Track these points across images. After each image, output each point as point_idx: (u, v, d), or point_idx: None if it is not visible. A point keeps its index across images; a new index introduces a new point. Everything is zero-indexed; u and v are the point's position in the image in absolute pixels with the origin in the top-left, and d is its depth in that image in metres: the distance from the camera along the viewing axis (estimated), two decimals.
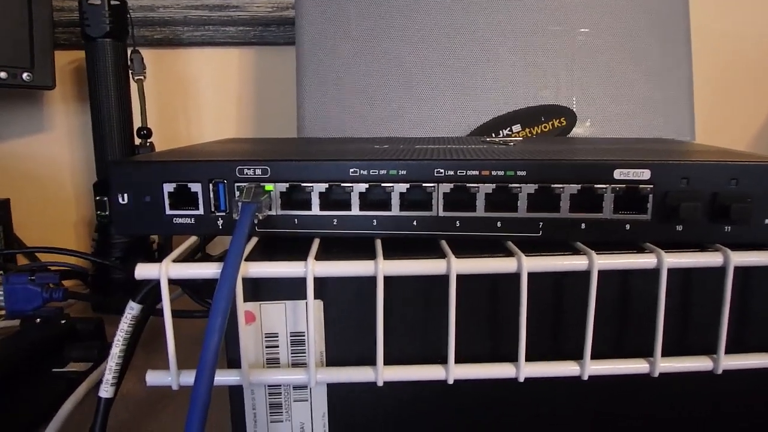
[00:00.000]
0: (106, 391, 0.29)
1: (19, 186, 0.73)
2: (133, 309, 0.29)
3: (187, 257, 0.31)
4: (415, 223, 0.28)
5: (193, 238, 0.31)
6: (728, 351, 0.27)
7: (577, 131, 0.54)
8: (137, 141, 0.64)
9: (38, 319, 0.47)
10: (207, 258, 0.34)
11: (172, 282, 0.26)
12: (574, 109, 0.54)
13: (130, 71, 0.63)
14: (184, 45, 0.73)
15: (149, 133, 0.64)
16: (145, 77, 0.64)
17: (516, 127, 0.53)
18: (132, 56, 0.63)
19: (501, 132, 0.53)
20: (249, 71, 0.75)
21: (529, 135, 0.53)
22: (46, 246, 0.63)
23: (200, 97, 0.75)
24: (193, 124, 0.76)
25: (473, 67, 0.55)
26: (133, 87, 0.63)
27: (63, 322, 0.47)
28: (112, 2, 0.59)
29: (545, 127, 0.53)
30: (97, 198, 0.63)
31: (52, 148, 0.74)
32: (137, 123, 0.64)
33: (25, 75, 0.60)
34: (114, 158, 0.61)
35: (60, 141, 0.74)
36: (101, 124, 0.61)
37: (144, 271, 0.26)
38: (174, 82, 0.74)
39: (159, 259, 0.26)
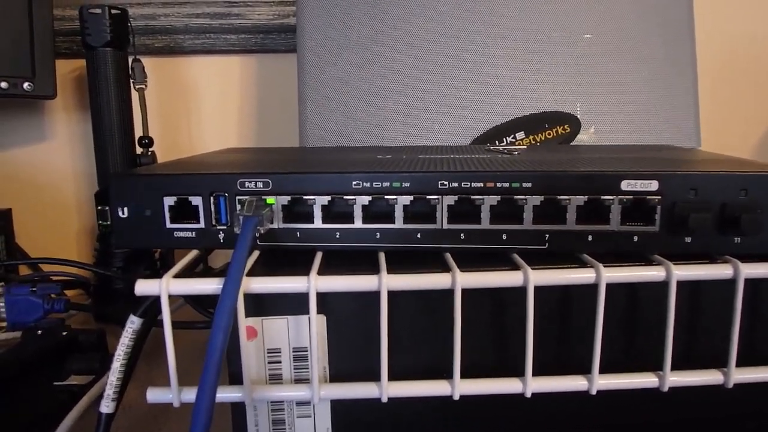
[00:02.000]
0: (107, 407, 0.29)
1: (21, 195, 0.73)
2: (133, 323, 0.29)
3: (189, 270, 0.30)
4: (419, 235, 0.28)
5: (194, 252, 0.30)
6: (738, 363, 0.27)
7: (582, 138, 0.54)
8: (139, 150, 0.64)
9: (39, 331, 0.46)
10: (208, 271, 0.34)
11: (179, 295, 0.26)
12: (578, 116, 0.54)
13: (131, 80, 0.62)
14: (185, 53, 0.72)
15: (150, 142, 0.64)
16: (146, 86, 0.63)
17: (519, 135, 0.53)
18: (133, 65, 0.62)
19: (504, 139, 0.53)
20: (250, 79, 0.74)
21: (533, 142, 0.53)
22: (48, 257, 0.63)
23: (202, 106, 0.75)
24: (195, 132, 0.75)
25: (476, 74, 0.55)
26: (135, 96, 0.63)
27: (64, 333, 0.46)
28: (113, 11, 0.59)
29: (549, 134, 0.52)
30: (99, 207, 0.62)
31: (53, 158, 0.73)
32: (139, 132, 0.64)
33: (26, 84, 0.60)
34: (115, 168, 0.61)
35: (61, 150, 0.73)
36: (102, 133, 0.61)
37: (144, 287, 0.25)
38: (175, 90, 0.74)
39: (161, 270, 0.26)
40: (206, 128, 0.75)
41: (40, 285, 0.50)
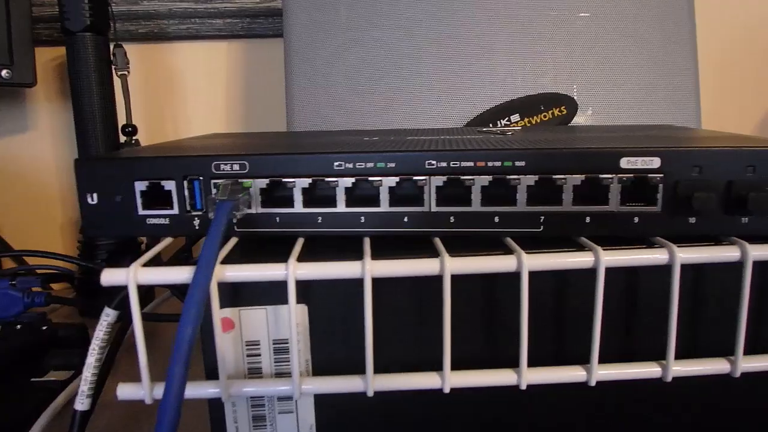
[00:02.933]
0: (81, 404, 0.27)
1: (4, 187, 0.71)
2: (108, 315, 0.27)
3: (172, 260, 0.29)
4: (405, 219, 0.26)
5: (168, 239, 0.29)
6: (746, 351, 0.25)
7: (579, 120, 0.52)
8: (122, 138, 0.62)
9: (19, 326, 0.45)
10: (186, 261, 0.32)
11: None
12: (575, 97, 0.52)
13: (113, 66, 0.60)
14: (169, 39, 0.70)
15: (134, 130, 0.62)
16: (128, 72, 0.61)
17: (514, 117, 0.51)
18: (114, 50, 0.60)
19: (498, 122, 0.51)
20: (238, 65, 0.72)
21: (528, 125, 0.51)
22: (30, 249, 0.61)
23: (188, 93, 0.73)
24: (181, 120, 0.73)
25: (468, 55, 0.53)
26: (118, 83, 0.61)
27: (44, 328, 0.45)
28: None
29: (545, 117, 0.50)
30: None
31: (36, 148, 0.71)
32: (122, 120, 0.62)
33: (3, 72, 0.58)
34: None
35: (44, 140, 0.71)
36: (84, 121, 0.59)
37: (111, 276, 0.24)
38: (160, 77, 0.72)
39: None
40: (192, 116, 0.73)
41: (20, 278, 0.48)
